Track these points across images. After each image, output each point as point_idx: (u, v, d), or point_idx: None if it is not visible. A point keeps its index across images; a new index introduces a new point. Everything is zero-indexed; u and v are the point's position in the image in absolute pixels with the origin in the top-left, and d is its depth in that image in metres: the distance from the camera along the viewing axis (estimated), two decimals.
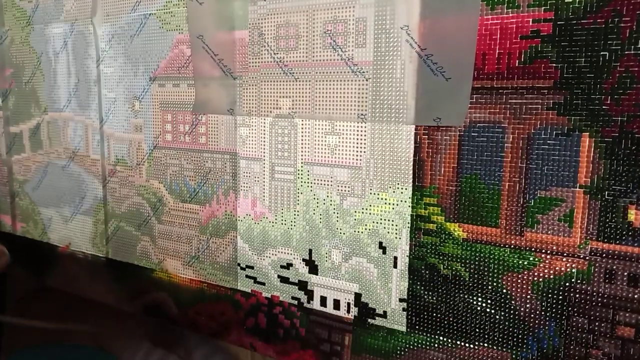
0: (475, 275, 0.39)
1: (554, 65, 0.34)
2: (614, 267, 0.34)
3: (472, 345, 0.40)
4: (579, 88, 0.33)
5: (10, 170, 0.69)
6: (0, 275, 0.88)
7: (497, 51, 0.35)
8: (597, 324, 0.35)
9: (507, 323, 0.38)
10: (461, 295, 0.40)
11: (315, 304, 0.47)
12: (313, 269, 0.46)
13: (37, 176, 0.66)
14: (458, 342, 0.40)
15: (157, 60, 0.52)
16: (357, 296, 0.44)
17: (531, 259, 0.37)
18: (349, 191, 0.43)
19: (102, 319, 0.85)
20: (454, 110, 0.37)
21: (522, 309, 0.37)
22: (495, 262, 0.38)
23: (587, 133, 0.34)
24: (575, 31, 0.33)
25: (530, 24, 0.34)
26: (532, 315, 0.37)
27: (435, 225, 0.40)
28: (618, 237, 0.34)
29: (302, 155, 0.45)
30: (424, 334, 0.42)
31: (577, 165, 0.34)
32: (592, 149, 0.34)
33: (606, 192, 0.34)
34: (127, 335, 0.80)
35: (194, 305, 0.55)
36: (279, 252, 0.48)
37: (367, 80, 0.41)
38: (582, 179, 0.34)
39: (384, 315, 0.43)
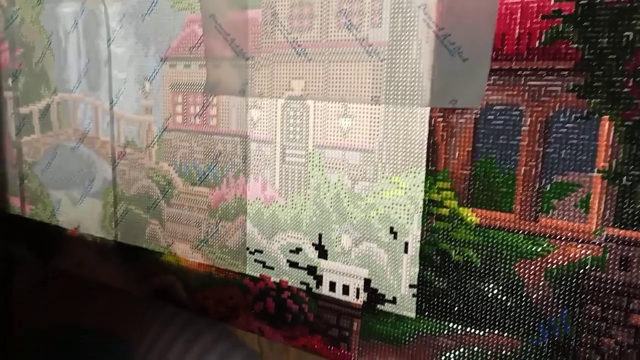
0: (488, 262, 0.38)
1: (575, 46, 0.33)
2: (630, 254, 0.34)
3: (482, 332, 0.39)
4: (600, 70, 0.33)
5: (20, 152, 0.69)
6: (8, 258, 0.88)
7: (517, 31, 0.35)
8: (610, 312, 0.35)
9: (518, 310, 0.38)
10: (472, 281, 0.39)
11: (324, 289, 0.46)
12: (323, 253, 0.46)
13: (47, 158, 0.66)
14: (468, 329, 0.40)
15: (168, 41, 0.51)
16: (367, 282, 0.44)
17: (545, 245, 0.36)
18: (360, 175, 0.43)
19: (111, 303, 0.85)
20: (471, 91, 0.36)
21: (534, 296, 0.37)
22: (508, 248, 0.37)
23: (607, 116, 0.33)
24: (598, 11, 0.32)
25: (552, 3, 0.33)
26: (544, 303, 0.37)
27: (448, 210, 0.39)
28: (635, 223, 0.33)
29: (313, 138, 0.44)
30: (434, 320, 0.41)
31: (596, 149, 0.34)
32: (612, 133, 0.33)
33: (624, 177, 0.33)
34: (139, 320, 0.81)
35: (203, 290, 0.55)
36: (288, 236, 0.48)
37: (381, 62, 0.40)
38: (600, 164, 0.34)
39: (394, 301, 0.43)
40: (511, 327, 0.38)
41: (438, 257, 0.40)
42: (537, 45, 0.34)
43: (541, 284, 0.37)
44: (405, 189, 0.41)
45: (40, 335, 0.87)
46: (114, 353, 0.80)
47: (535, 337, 0.37)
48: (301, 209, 0.46)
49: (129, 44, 0.55)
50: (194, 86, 0.51)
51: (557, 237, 0.36)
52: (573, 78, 0.34)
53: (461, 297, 0.40)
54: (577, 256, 0.35)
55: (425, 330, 0.42)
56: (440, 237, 0.40)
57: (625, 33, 0.32)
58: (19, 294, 0.91)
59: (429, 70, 0.38)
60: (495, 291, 0.38)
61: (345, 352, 0.46)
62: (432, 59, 0.38)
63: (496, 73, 0.36)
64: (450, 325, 0.41)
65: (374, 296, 0.44)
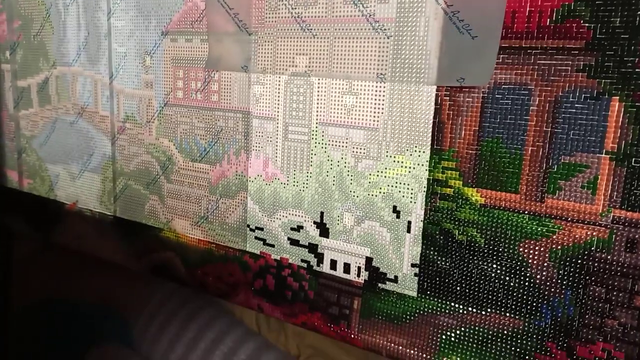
0: (491, 242, 0.38)
1: (587, 25, 0.32)
2: (637, 236, 0.33)
3: (484, 312, 0.39)
4: (611, 49, 0.32)
5: (18, 126, 0.69)
6: (6, 233, 0.88)
7: (527, 9, 0.34)
8: (614, 293, 0.35)
9: (521, 291, 0.38)
10: (475, 261, 0.39)
11: (325, 267, 0.46)
12: (324, 232, 0.46)
13: (45, 132, 0.66)
14: (470, 309, 0.40)
15: (169, 14, 0.51)
16: (368, 260, 0.44)
17: (550, 226, 0.36)
18: (364, 153, 0.42)
19: (109, 278, 0.86)
20: (479, 70, 0.36)
21: (538, 277, 0.37)
22: (513, 228, 0.37)
23: (617, 97, 0.32)
24: None
25: None
26: (548, 284, 0.37)
27: (453, 189, 0.39)
28: None
29: (317, 116, 0.44)
30: (435, 299, 0.41)
31: (605, 130, 0.33)
32: (622, 114, 0.32)
33: (633, 159, 0.33)
34: (137, 295, 0.81)
35: (202, 266, 0.55)
36: (289, 214, 0.47)
37: (388, 38, 0.39)
38: (608, 145, 0.33)
39: (395, 280, 0.43)
40: (513, 307, 0.38)
41: (441, 237, 0.40)
42: (547, 24, 0.34)
43: (545, 264, 0.36)
44: (410, 167, 0.40)
45: (39, 308, 0.87)
46: (113, 327, 0.80)
47: (538, 318, 0.37)
48: (303, 187, 0.46)
49: (129, 17, 0.54)
50: (195, 61, 0.50)
51: (563, 218, 0.35)
52: (583, 57, 0.33)
53: (464, 277, 0.40)
54: (582, 237, 0.35)
55: (426, 309, 0.42)
56: (443, 216, 0.40)
57: (639, 12, 0.31)
58: (18, 267, 0.91)
59: (437, 47, 0.37)
60: (499, 271, 0.38)
61: (345, 330, 0.46)
62: (440, 36, 0.37)
63: (505, 51, 0.35)
64: (452, 304, 0.41)
65: (376, 275, 0.44)
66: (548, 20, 0.34)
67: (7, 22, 0.65)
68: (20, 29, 0.64)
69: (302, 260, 0.48)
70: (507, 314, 0.38)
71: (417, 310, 0.42)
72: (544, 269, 0.37)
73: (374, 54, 0.40)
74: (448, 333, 0.41)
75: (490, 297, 0.39)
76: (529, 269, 0.37)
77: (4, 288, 0.91)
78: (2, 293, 0.91)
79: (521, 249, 0.37)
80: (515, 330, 0.38)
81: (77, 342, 0.80)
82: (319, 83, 0.43)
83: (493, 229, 0.38)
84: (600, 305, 0.35)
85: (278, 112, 0.46)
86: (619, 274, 0.34)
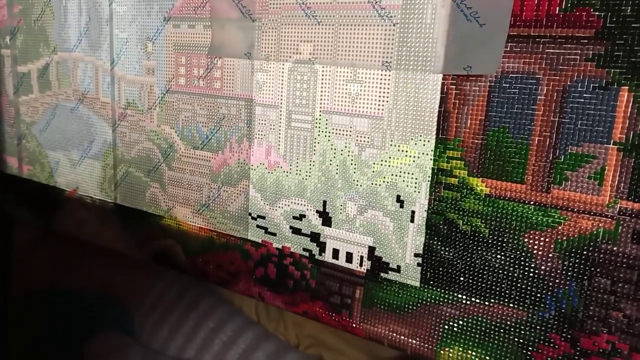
0: (496, 232, 0.38)
1: (597, 13, 0.32)
2: None
3: (487, 303, 0.39)
4: (621, 39, 0.32)
5: (18, 112, 0.68)
6: (7, 220, 0.88)
7: None
8: (620, 285, 0.34)
9: (525, 281, 0.37)
10: (479, 252, 0.39)
11: (327, 257, 0.46)
12: (327, 221, 0.46)
13: (45, 118, 0.65)
14: (473, 299, 0.40)
15: None
16: (371, 250, 0.44)
17: (556, 216, 0.36)
18: (368, 142, 0.42)
19: (110, 266, 0.85)
20: (487, 58, 0.35)
21: (542, 268, 0.37)
22: (518, 219, 0.37)
23: (627, 87, 0.32)
24: None
25: None
26: (553, 275, 0.36)
27: (457, 179, 0.39)
28: None
29: (321, 103, 0.44)
30: (438, 289, 0.41)
31: (613, 120, 0.33)
32: (630, 104, 0.32)
33: None
34: (138, 284, 0.81)
35: (203, 254, 0.54)
36: (292, 202, 0.47)
37: (394, 26, 0.39)
38: (616, 135, 0.33)
39: (398, 269, 0.43)
40: (517, 298, 0.38)
41: (445, 227, 0.40)
42: (557, 12, 0.33)
43: (550, 255, 0.36)
44: (414, 157, 0.40)
45: (40, 297, 0.87)
46: (114, 316, 0.80)
47: (542, 309, 0.37)
48: (306, 175, 0.46)
49: (131, 3, 0.53)
50: (198, 47, 0.49)
51: (569, 209, 0.35)
52: (593, 47, 0.33)
53: (467, 267, 0.39)
54: (588, 228, 0.35)
55: (429, 300, 0.42)
56: (448, 206, 0.39)
57: None
58: (18, 255, 0.91)
59: (444, 35, 0.37)
60: (503, 262, 0.38)
61: (347, 319, 0.46)
62: (447, 24, 0.37)
63: (513, 40, 0.35)
64: (455, 295, 0.40)
65: (378, 264, 0.44)
66: (557, 8, 0.33)
67: (7, 7, 0.65)
68: (21, 14, 0.64)
69: (304, 249, 0.47)
70: (511, 305, 0.38)
71: (420, 301, 0.42)
72: (549, 260, 0.36)
73: (379, 42, 0.40)
74: (450, 323, 0.41)
75: (493, 287, 0.39)
76: (533, 260, 0.37)
77: (4, 276, 0.91)
78: (2, 281, 0.90)
79: (526, 240, 0.37)
80: (519, 321, 0.38)
81: (77, 330, 0.80)
82: (323, 71, 0.43)
83: (498, 220, 0.38)
84: (605, 296, 0.35)
85: (281, 99, 0.46)
86: (624, 265, 0.34)
